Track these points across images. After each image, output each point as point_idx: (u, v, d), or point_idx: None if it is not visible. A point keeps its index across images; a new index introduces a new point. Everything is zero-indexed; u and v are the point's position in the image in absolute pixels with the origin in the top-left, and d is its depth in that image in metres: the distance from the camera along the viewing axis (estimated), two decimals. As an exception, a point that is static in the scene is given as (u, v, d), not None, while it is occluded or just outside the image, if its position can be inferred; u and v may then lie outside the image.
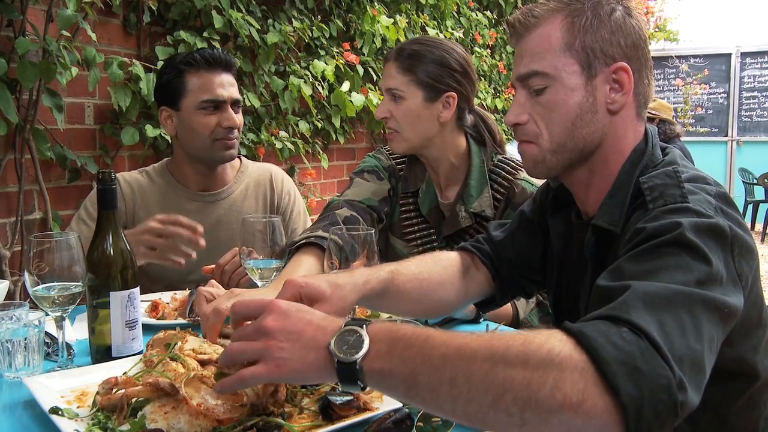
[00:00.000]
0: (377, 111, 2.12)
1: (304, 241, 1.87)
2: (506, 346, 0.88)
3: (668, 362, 0.85)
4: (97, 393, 1.23)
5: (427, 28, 5.31)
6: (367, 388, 1.00)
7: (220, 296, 1.56)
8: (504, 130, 7.06)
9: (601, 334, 0.87)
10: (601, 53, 1.29)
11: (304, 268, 1.79)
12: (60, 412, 1.20)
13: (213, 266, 2.05)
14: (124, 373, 1.31)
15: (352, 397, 1.22)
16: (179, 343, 1.34)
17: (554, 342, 0.87)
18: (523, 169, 2.14)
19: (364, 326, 0.98)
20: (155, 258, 1.97)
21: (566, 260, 1.50)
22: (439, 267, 1.60)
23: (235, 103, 2.29)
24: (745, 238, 1.13)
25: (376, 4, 4.80)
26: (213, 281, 1.74)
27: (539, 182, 2.12)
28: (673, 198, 1.15)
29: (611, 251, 1.26)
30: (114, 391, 1.21)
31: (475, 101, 2.21)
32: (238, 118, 2.31)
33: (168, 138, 3.17)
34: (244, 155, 3.67)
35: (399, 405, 1.23)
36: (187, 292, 1.95)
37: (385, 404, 1.25)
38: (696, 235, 1.04)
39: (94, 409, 1.21)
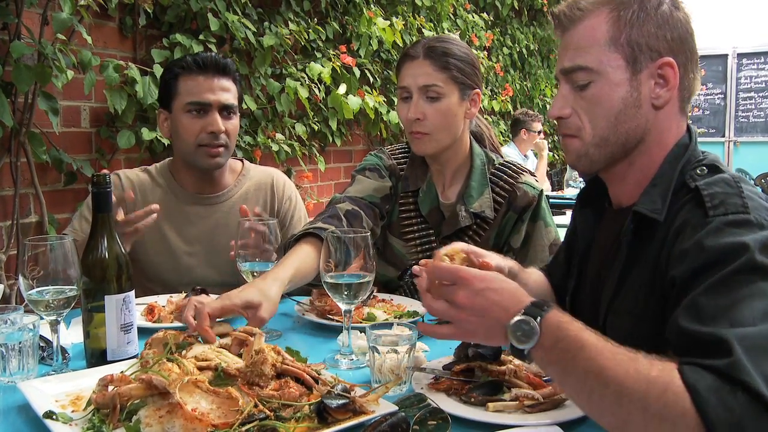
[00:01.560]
0: (410, 112, 2.05)
1: (302, 232, 1.87)
2: (636, 384, 0.97)
3: None
4: (94, 392, 1.23)
5: (423, 30, 5.31)
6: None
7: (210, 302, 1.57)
8: (501, 132, 7.08)
9: (713, 394, 0.91)
10: (647, 48, 1.29)
11: (301, 256, 1.80)
12: (54, 417, 1.19)
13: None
14: (121, 372, 1.30)
15: (347, 401, 1.21)
16: (184, 350, 1.35)
17: (670, 396, 0.93)
18: (524, 173, 2.16)
19: (539, 318, 1.11)
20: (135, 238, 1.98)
21: (593, 249, 1.50)
22: (539, 278, 1.71)
23: (225, 109, 2.25)
24: None
25: (372, 6, 4.80)
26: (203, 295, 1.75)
27: (541, 186, 2.14)
28: (734, 207, 1.16)
29: (652, 240, 1.27)
30: (110, 388, 1.21)
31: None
32: (231, 124, 2.27)
33: (164, 141, 3.17)
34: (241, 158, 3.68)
35: (395, 408, 1.22)
36: (183, 295, 1.95)
37: (381, 408, 1.24)
38: (764, 255, 1.06)
39: (89, 412, 1.20)
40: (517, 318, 1.12)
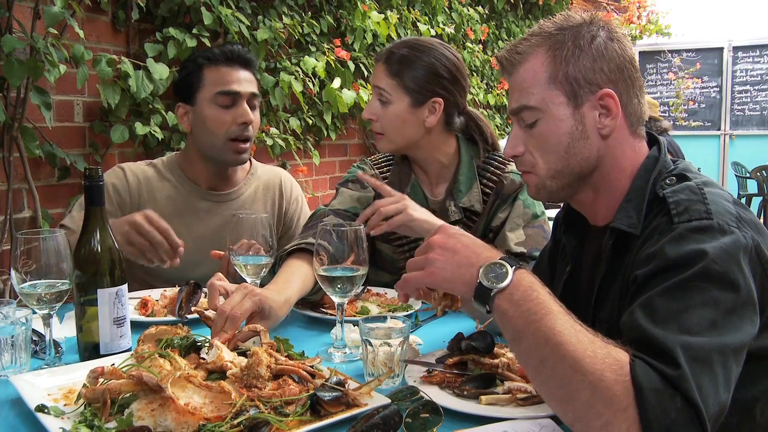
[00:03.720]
0: (365, 111, 2.13)
1: (295, 246, 1.88)
2: (592, 366, 1.02)
3: (704, 430, 0.98)
4: (84, 385, 1.23)
5: (418, 23, 5.29)
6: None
7: (233, 293, 1.57)
8: (497, 126, 7.08)
9: (655, 395, 0.99)
10: (585, 82, 1.33)
11: (300, 272, 1.81)
12: (46, 410, 1.19)
13: (222, 253, 2.05)
14: (112, 364, 1.30)
15: (340, 393, 1.22)
16: (215, 351, 1.34)
17: (619, 388, 1.00)
18: (512, 162, 2.15)
19: (515, 267, 1.16)
20: (128, 252, 1.89)
21: (577, 266, 1.53)
22: None
23: (252, 99, 2.27)
24: (765, 242, 1.21)
25: (366, 0, 4.79)
26: (219, 273, 1.74)
27: None
28: (698, 213, 1.20)
29: (629, 252, 1.31)
30: (100, 381, 1.20)
31: (468, 97, 2.21)
32: (256, 116, 2.28)
33: (158, 136, 3.16)
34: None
35: (388, 401, 1.23)
36: (177, 289, 1.94)
37: (373, 400, 1.24)
38: (721, 263, 1.12)
39: (81, 405, 1.20)
40: (492, 261, 1.18)
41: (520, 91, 1.39)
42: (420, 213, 1.89)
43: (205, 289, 1.82)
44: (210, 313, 1.57)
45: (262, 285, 1.74)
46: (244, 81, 2.25)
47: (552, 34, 1.37)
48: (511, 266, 1.16)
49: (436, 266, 1.24)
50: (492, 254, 1.21)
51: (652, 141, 1.44)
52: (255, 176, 2.46)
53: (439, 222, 1.91)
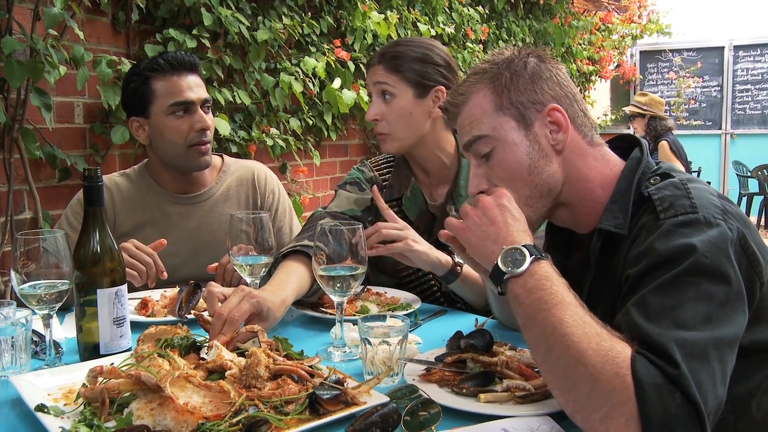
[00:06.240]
0: (368, 113, 2.12)
1: (291, 249, 1.88)
2: (594, 358, 1.04)
3: (703, 426, 1.00)
4: (83, 385, 1.23)
5: (418, 23, 5.29)
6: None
7: (230, 296, 1.57)
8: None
9: (655, 391, 1.00)
10: (530, 102, 1.37)
11: (296, 274, 1.82)
12: (46, 410, 1.19)
13: (216, 264, 2.06)
14: (111, 363, 1.30)
15: (339, 392, 1.22)
16: (215, 350, 1.34)
17: (618, 382, 1.02)
18: None
19: (534, 257, 1.20)
20: None
21: (563, 275, 1.52)
22: None
23: (204, 104, 2.26)
24: (750, 234, 1.22)
25: (367, 0, 4.79)
26: (211, 282, 1.74)
27: None
28: (683, 208, 1.21)
29: (618, 253, 1.32)
30: (99, 380, 1.21)
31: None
32: (211, 119, 2.28)
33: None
34: (234, 153, 3.67)
35: (386, 399, 1.23)
36: (177, 289, 1.95)
37: (372, 399, 1.24)
38: (711, 257, 1.13)
39: (80, 405, 1.20)
40: (515, 246, 1.23)
41: (470, 123, 1.42)
42: (420, 246, 1.89)
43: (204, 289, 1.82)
44: (206, 314, 1.58)
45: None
46: (195, 87, 2.24)
47: (487, 69, 1.42)
48: (531, 255, 1.20)
49: (470, 226, 1.32)
50: (521, 238, 1.25)
51: (635, 143, 1.45)
52: (227, 173, 2.46)
53: (441, 256, 1.91)
